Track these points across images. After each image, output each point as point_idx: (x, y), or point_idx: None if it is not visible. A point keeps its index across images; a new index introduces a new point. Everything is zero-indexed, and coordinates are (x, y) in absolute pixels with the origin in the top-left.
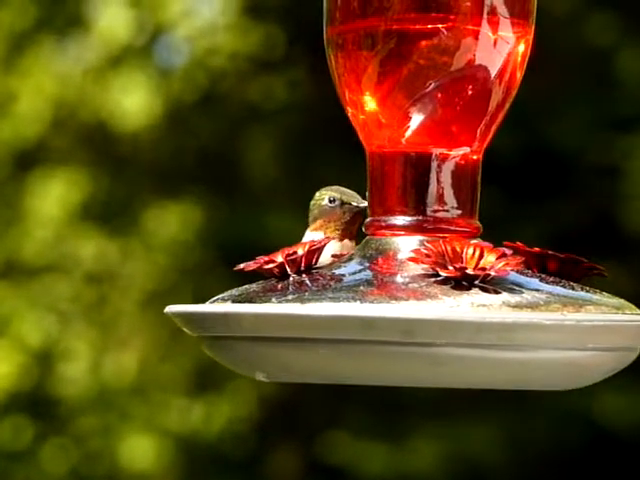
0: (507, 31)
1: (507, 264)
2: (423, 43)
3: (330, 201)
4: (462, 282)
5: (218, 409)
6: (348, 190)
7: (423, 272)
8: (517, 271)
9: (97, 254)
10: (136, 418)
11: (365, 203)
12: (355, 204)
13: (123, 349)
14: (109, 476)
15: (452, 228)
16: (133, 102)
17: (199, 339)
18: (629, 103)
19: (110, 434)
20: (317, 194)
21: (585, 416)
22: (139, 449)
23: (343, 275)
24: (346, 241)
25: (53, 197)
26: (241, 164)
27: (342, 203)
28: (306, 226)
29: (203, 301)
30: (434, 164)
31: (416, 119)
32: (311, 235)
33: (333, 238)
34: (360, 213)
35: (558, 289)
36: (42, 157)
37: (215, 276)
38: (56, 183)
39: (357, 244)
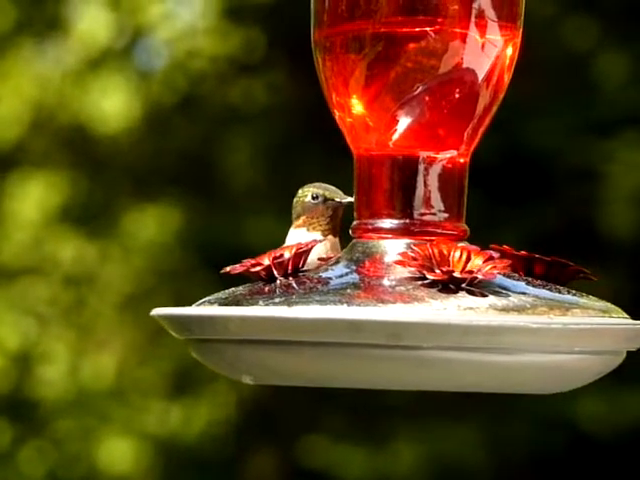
0: (495, 34)
1: (494, 267)
2: (411, 46)
3: (313, 197)
4: (449, 285)
5: (197, 412)
6: (331, 186)
7: (410, 275)
8: (504, 274)
9: (76, 257)
10: (115, 421)
11: (348, 199)
12: (338, 200)
13: (101, 352)
14: (87, 479)
15: (439, 231)
16: (112, 105)
17: (185, 342)
18: (608, 107)
19: (88, 437)
20: (300, 191)
21: (565, 419)
22: (118, 452)
23: (330, 278)
24: (330, 237)
25: (32, 199)
26: (220, 167)
27: (325, 199)
28: (287, 228)
29: (182, 304)
30: (421, 167)
31: (404, 122)
32: (295, 232)
33: (320, 241)
34: (343, 208)
35: (544, 292)
36: (21, 159)
37: (194, 279)
38: (35, 185)
39: (341, 240)
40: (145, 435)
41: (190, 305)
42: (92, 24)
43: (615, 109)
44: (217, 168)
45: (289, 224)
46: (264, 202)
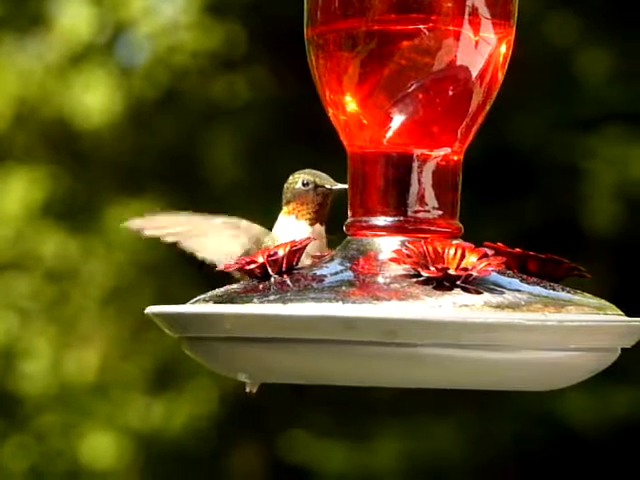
0: (488, 32)
1: (489, 264)
2: (404, 44)
3: (304, 184)
4: (444, 282)
5: (179, 407)
6: (322, 173)
7: (405, 272)
8: (498, 271)
9: (58, 252)
10: (97, 416)
11: (339, 185)
12: (329, 187)
13: (84, 347)
14: (70, 474)
15: (433, 229)
16: (95, 100)
17: (180, 340)
18: (590, 103)
19: (71, 432)
20: (291, 177)
21: (550, 416)
22: (100, 447)
23: (324, 276)
24: (317, 226)
25: (14, 194)
26: (203, 162)
27: (316, 186)
28: (270, 223)
29: (165, 298)
30: (415, 165)
31: (397, 120)
32: (283, 220)
33: (314, 238)
34: (332, 196)
35: (539, 289)
36: (3, 154)
37: (176, 274)
38: (17, 180)
39: (327, 230)
40: (127, 430)
41: (173, 300)
42: (74, 19)
43: (597, 105)
44: (199, 163)
45: (272, 219)
46: (246, 197)
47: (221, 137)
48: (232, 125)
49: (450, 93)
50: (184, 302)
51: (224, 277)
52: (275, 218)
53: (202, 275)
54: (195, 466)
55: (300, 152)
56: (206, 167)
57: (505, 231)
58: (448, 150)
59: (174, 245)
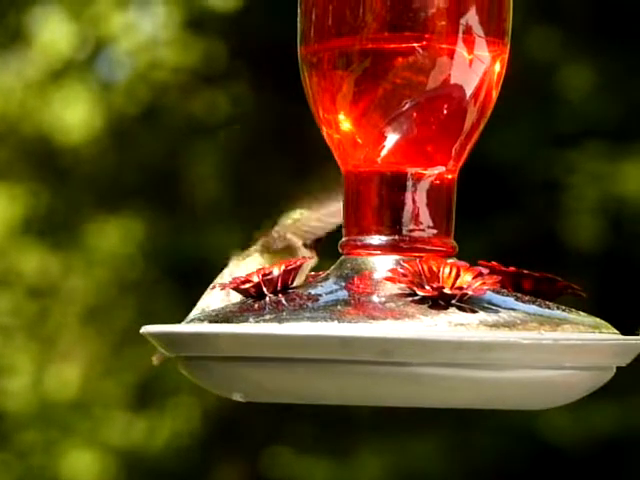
0: (483, 50)
1: (484, 283)
2: (398, 62)
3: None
4: (439, 301)
5: (161, 424)
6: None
7: (400, 291)
8: (493, 290)
9: (39, 268)
10: (78, 433)
11: (311, 261)
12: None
13: (65, 363)
14: None
15: (428, 247)
16: (74, 116)
17: (175, 359)
18: (570, 118)
19: (52, 449)
20: (294, 213)
21: (531, 431)
22: (81, 464)
23: (320, 295)
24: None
25: None
26: (184, 178)
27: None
28: (246, 242)
29: (146, 315)
30: (409, 183)
31: (392, 138)
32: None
33: (310, 258)
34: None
35: (534, 308)
36: None
37: (157, 290)
38: None
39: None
40: (109, 447)
41: (155, 317)
42: (54, 35)
43: (578, 120)
44: (180, 179)
45: (252, 236)
46: (228, 214)
47: (202, 153)
48: (213, 141)
49: (444, 112)
50: (166, 319)
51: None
52: (253, 233)
53: (184, 292)
54: None
55: (281, 167)
56: (187, 183)
57: (486, 247)
58: (442, 169)
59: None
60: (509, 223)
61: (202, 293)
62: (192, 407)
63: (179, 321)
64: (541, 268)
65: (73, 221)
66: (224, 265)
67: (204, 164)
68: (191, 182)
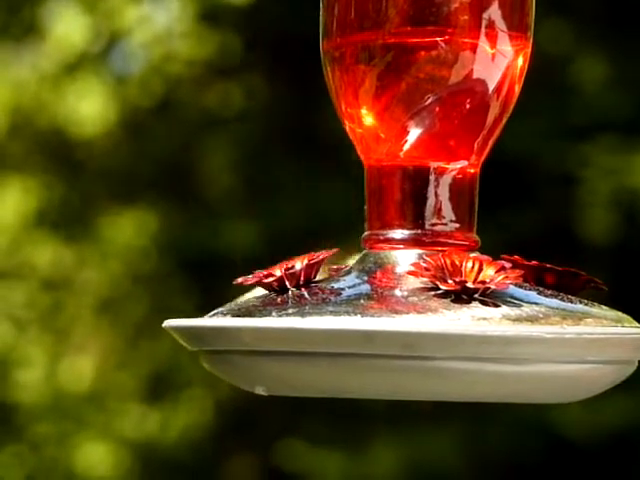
0: (505, 45)
1: (506, 277)
2: (421, 56)
3: None
4: (462, 295)
5: (175, 416)
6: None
7: (422, 286)
8: (516, 284)
9: (53, 261)
10: (92, 425)
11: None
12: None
13: (79, 356)
14: None
15: (450, 241)
16: (89, 109)
17: (198, 353)
18: (583, 112)
19: (66, 441)
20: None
21: (544, 424)
22: (95, 456)
23: (342, 289)
24: None
25: (8, 204)
26: (198, 171)
27: None
28: (264, 232)
29: (160, 308)
30: (432, 178)
31: (414, 133)
32: None
33: (333, 252)
34: None
35: (557, 302)
36: None
37: (171, 283)
38: (11, 190)
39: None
40: (123, 439)
41: (168, 309)
42: (68, 28)
43: (592, 113)
44: (194, 172)
45: (266, 228)
46: (241, 206)
47: (216, 145)
48: (227, 134)
49: (467, 106)
50: (179, 311)
51: (218, 287)
52: (268, 226)
53: (197, 284)
54: (191, 475)
55: (295, 160)
56: (201, 175)
57: (500, 240)
58: (465, 163)
59: None
60: (522, 216)
61: (215, 285)
62: (205, 399)
63: (193, 313)
64: (554, 261)
65: (87, 214)
66: None
67: (218, 157)
68: (205, 175)
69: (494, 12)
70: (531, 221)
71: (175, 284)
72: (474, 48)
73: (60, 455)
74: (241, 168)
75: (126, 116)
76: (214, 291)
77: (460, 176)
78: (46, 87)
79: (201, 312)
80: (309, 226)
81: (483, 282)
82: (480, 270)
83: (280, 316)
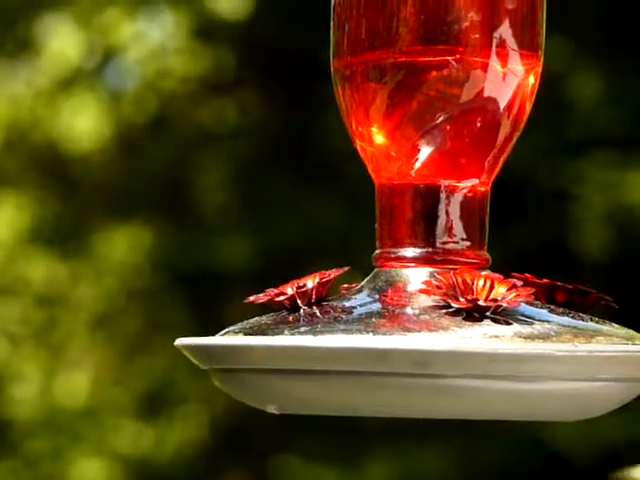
0: (516, 63)
1: (518, 295)
2: (432, 75)
3: None
4: (473, 313)
5: (169, 432)
6: None
7: (434, 304)
8: (527, 302)
9: (47, 277)
10: (87, 441)
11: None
12: None
13: (74, 372)
14: None
15: (462, 260)
16: (84, 125)
17: (209, 372)
18: (579, 127)
19: (61, 457)
20: None
21: (537, 441)
22: (90, 472)
23: (354, 307)
24: None
25: (3, 220)
26: (192, 187)
27: None
28: (258, 248)
29: (154, 324)
30: (443, 196)
31: (425, 151)
32: None
33: (344, 270)
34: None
35: (568, 320)
36: None
37: (165, 299)
38: (6, 206)
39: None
40: (117, 455)
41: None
42: (63, 44)
43: (587, 129)
44: (188, 188)
45: (260, 244)
46: (236, 222)
47: (210, 162)
48: (221, 150)
49: (478, 125)
50: (174, 327)
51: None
52: (262, 242)
53: (191, 300)
54: None
55: (289, 176)
56: (195, 192)
57: (495, 256)
58: (476, 181)
59: None
60: (518, 232)
61: (210, 301)
62: (200, 416)
63: (189, 329)
64: (550, 277)
65: (81, 229)
66: None
67: (212, 173)
68: (199, 191)
69: (505, 31)
70: (526, 237)
71: (170, 300)
72: (485, 67)
73: (55, 471)
74: (235, 184)
75: (121, 132)
76: (209, 307)
77: (471, 194)
78: (41, 103)
79: (196, 328)
80: (304, 242)
81: (495, 300)
82: (492, 288)
83: (292, 334)
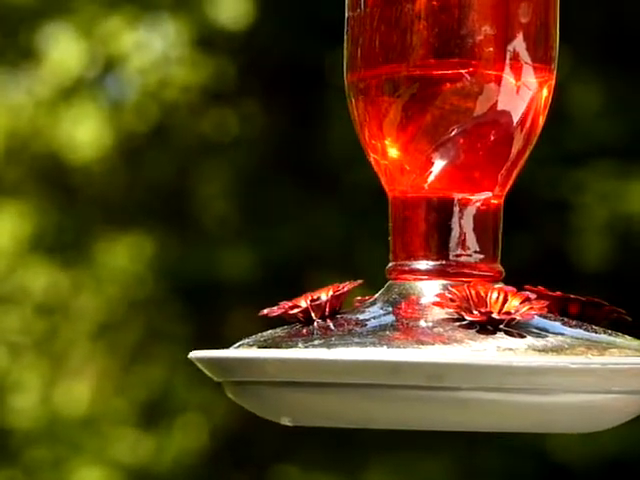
0: (530, 77)
1: (531, 308)
2: (445, 88)
3: None
4: (487, 326)
5: (169, 441)
6: None
7: (447, 316)
8: (541, 315)
9: (48, 286)
10: (87, 450)
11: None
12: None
13: (74, 381)
14: None
15: (475, 272)
16: (85, 134)
17: (223, 384)
18: (578, 138)
19: (61, 466)
20: None
21: (538, 451)
22: None
23: (368, 320)
24: None
25: (4, 229)
26: (193, 197)
27: None
28: (259, 258)
29: (155, 334)
30: (456, 209)
31: (439, 164)
32: None
33: (357, 283)
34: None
35: (581, 332)
36: None
37: (166, 309)
38: (7, 215)
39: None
40: (117, 465)
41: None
42: (64, 54)
43: (587, 140)
44: (190, 198)
45: (262, 254)
46: (237, 232)
47: (211, 172)
48: (222, 160)
49: (491, 138)
50: (175, 337)
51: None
52: (263, 252)
53: (192, 311)
54: None
55: (291, 186)
56: (196, 201)
57: None
58: (489, 194)
59: None
60: (517, 242)
61: (211, 311)
62: (200, 425)
63: (189, 339)
64: (550, 287)
65: (82, 239)
66: None
67: (213, 183)
68: (200, 201)
69: (519, 44)
70: (526, 246)
71: (171, 310)
72: (499, 80)
73: None
74: (237, 194)
75: (122, 142)
76: (209, 317)
77: (484, 207)
78: (42, 112)
79: (196, 338)
80: (305, 252)
81: (508, 313)
82: (505, 301)
83: (306, 347)
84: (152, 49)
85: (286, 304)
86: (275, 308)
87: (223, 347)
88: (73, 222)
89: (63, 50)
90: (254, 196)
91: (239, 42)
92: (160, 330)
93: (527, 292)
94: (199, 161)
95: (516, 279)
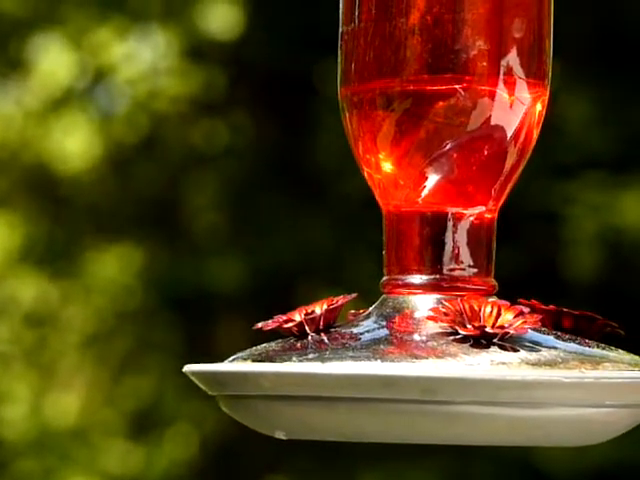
0: (523, 92)
1: (525, 322)
2: (439, 103)
3: None
4: (481, 340)
5: (159, 453)
6: None
7: (441, 330)
8: (534, 329)
9: (37, 296)
10: (77, 461)
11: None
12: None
13: (63, 392)
14: None
15: (468, 286)
16: (74, 145)
17: (217, 398)
18: (569, 149)
19: (51, 477)
20: None
21: (527, 461)
22: None
23: (362, 334)
24: None
25: None
26: (183, 207)
27: None
28: (249, 269)
29: (144, 345)
30: (450, 223)
31: (433, 179)
32: None
33: (352, 297)
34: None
35: (575, 346)
36: None
37: (156, 319)
38: None
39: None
40: (107, 475)
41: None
42: (54, 64)
43: (577, 151)
44: (179, 209)
45: (252, 265)
46: (227, 243)
47: (201, 182)
48: (212, 170)
49: (485, 152)
50: (164, 348)
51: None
52: (254, 263)
53: (181, 321)
54: None
55: (281, 196)
56: (186, 212)
57: None
58: (482, 209)
59: None
60: (507, 254)
61: (200, 322)
62: (190, 436)
63: (179, 350)
64: (540, 299)
65: (72, 249)
66: None
67: (203, 193)
68: (190, 211)
69: (512, 59)
70: (516, 258)
71: (160, 320)
72: (492, 95)
73: None
74: (227, 204)
75: (111, 152)
76: (199, 328)
77: (478, 222)
78: (31, 123)
79: (186, 349)
80: (296, 262)
81: (502, 327)
82: (499, 315)
83: (300, 361)
84: (142, 60)
85: (280, 317)
86: (269, 322)
87: (213, 358)
88: (63, 233)
89: (53, 61)
90: (244, 206)
91: (229, 53)
92: (150, 341)
93: (520, 306)
94: (189, 171)
95: (506, 291)
